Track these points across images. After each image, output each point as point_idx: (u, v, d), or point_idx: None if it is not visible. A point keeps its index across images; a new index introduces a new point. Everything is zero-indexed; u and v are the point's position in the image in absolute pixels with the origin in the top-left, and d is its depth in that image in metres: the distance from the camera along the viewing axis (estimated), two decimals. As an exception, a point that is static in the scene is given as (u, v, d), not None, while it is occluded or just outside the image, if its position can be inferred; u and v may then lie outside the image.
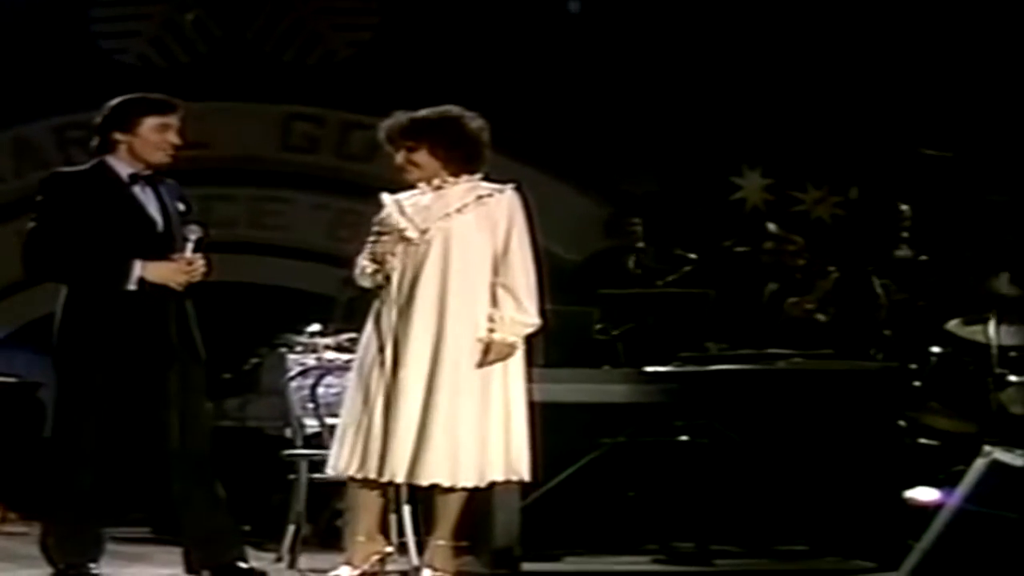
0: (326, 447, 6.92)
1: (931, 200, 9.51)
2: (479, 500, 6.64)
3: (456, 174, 6.53)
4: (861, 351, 8.46)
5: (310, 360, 8.12)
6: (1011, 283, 8.37)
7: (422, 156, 6.51)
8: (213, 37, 10.67)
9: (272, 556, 7.33)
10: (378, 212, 6.60)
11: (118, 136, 6.46)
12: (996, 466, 5.72)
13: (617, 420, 7.62)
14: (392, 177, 6.67)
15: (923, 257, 9.16)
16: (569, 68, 10.44)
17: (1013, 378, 7.98)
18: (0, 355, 9.84)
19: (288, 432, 7.68)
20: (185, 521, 6.48)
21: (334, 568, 6.55)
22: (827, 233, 10.29)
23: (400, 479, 6.37)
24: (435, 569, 6.50)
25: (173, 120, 6.50)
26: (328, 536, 7.66)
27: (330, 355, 8.13)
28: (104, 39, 10.57)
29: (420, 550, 6.68)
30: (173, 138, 6.49)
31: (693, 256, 9.27)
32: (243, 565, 6.51)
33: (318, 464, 7.04)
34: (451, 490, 6.39)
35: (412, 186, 6.59)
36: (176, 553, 6.61)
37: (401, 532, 6.81)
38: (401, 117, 6.57)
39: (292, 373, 7.87)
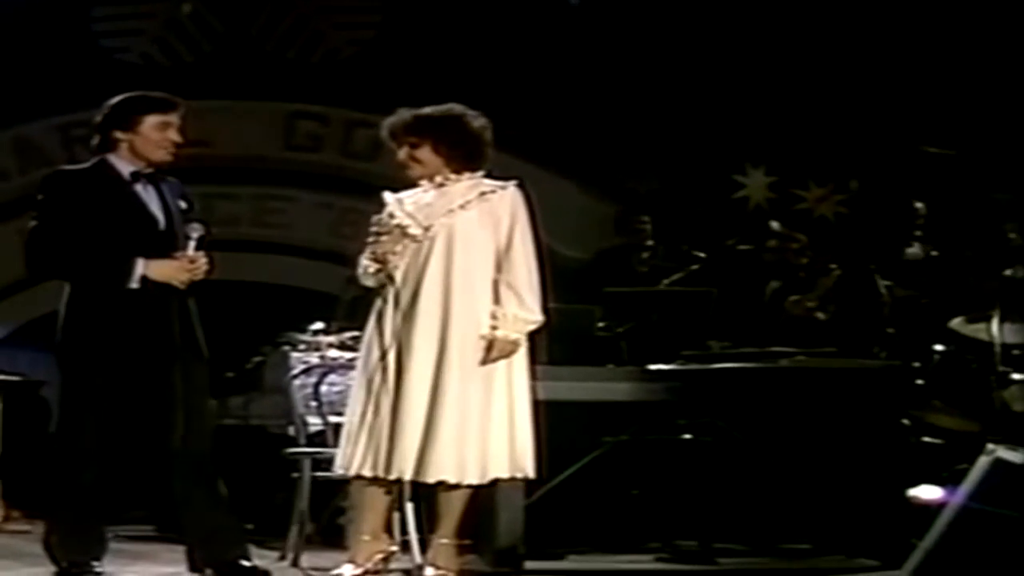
0: (329, 445, 6.93)
1: (934, 198, 9.50)
2: (482, 498, 6.65)
3: (458, 171, 6.54)
4: (864, 349, 8.46)
5: (313, 358, 8.12)
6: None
7: (425, 153, 6.52)
8: (216, 35, 10.67)
9: (275, 554, 7.33)
10: (381, 210, 6.60)
11: (119, 134, 6.46)
12: (999, 464, 5.72)
13: (620, 418, 7.63)
14: (395, 175, 6.68)
15: (935, 253, 9.15)
16: (572, 66, 10.44)
17: (1016, 376, 7.96)
18: (3, 353, 9.84)
19: (291, 430, 7.68)
20: (188, 519, 6.48)
21: (337, 566, 6.54)
22: (830, 231, 10.29)
23: (408, 476, 6.37)
24: (438, 567, 6.49)
25: (174, 118, 6.50)
26: (331, 534, 7.66)
27: (333, 353, 8.13)
28: (106, 38, 10.58)
29: (423, 548, 6.68)
30: (174, 136, 6.49)
31: (702, 255, 9.26)
32: (246, 563, 6.50)
33: (321, 462, 7.04)
34: (455, 487, 6.38)
35: (414, 185, 6.60)
36: (179, 551, 6.61)
37: (404, 530, 6.81)
38: (405, 114, 6.58)
39: (295, 371, 7.86)
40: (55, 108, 10.23)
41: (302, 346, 8.34)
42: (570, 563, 7.49)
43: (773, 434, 7.68)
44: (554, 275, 6.81)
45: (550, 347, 7.18)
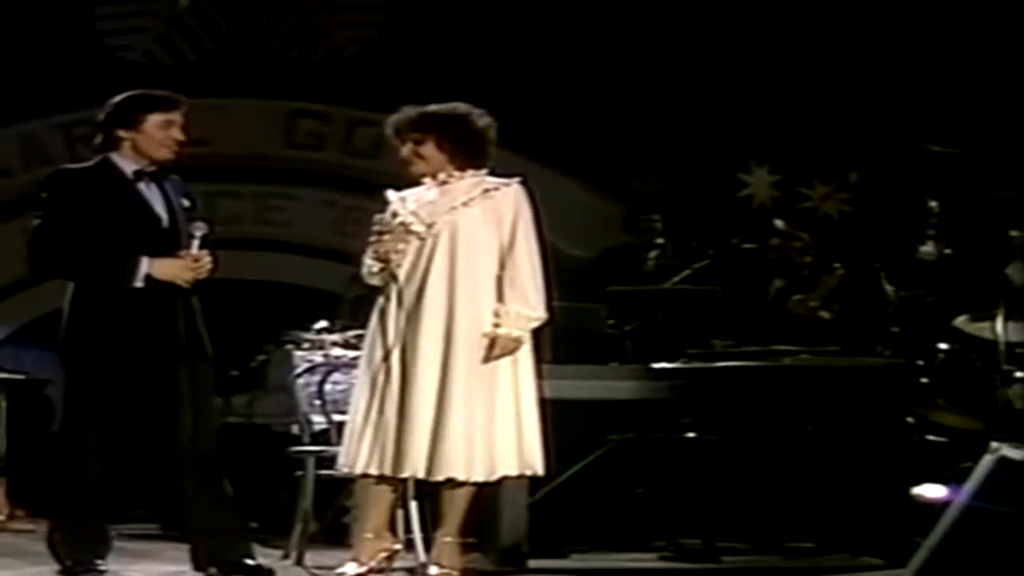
0: (333, 444, 6.92)
1: (938, 197, 9.49)
2: (486, 496, 6.64)
3: (461, 168, 6.54)
4: (868, 348, 8.45)
5: (317, 357, 8.12)
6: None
7: (428, 149, 6.52)
8: (219, 33, 10.66)
9: (279, 553, 7.32)
10: (384, 209, 6.60)
11: (122, 133, 6.46)
12: (1003, 462, 5.70)
13: (625, 417, 7.62)
14: (398, 173, 6.67)
15: (948, 251, 9.14)
16: (575, 64, 10.42)
17: (1020, 374, 7.97)
18: (7, 352, 9.85)
19: (295, 429, 7.68)
20: (192, 518, 6.48)
21: (341, 565, 6.54)
22: (834, 229, 10.28)
23: (420, 474, 6.37)
24: (442, 566, 6.49)
25: (177, 116, 6.50)
26: (335, 533, 7.66)
27: (337, 352, 8.13)
28: (109, 36, 10.57)
29: (427, 547, 6.68)
30: (177, 134, 6.49)
31: (711, 251, 9.25)
32: (250, 562, 6.51)
33: (325, 461, 7.03)
34: (460, 485, 6.38)
35: (417, 183, 6.60)
36: (183, 550, 6.62)
37: (408, 528, 6.80)
38: (409, 111, 6.59)
39: (299, 370, 7.86)
40: (58, 106, 10.22)
41: (306, 344, 8.33)
42: (574, 561, 7.48)
43: (777, 433, 7.68)
44: (558, 273, 6.81)
45: (555, 345, 7.17)
